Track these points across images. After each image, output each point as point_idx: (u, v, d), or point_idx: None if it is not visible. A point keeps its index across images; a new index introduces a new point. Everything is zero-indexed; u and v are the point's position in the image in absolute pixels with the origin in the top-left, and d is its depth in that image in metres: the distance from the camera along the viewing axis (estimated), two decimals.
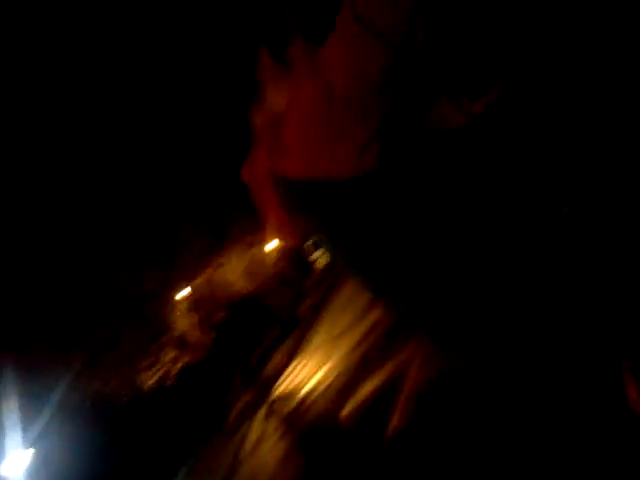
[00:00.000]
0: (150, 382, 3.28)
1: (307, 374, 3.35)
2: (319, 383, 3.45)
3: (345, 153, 2.13)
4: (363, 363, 3.24)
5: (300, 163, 2.77)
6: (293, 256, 4.27)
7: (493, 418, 2.35)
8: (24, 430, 2.95)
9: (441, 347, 2.48)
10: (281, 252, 4.04)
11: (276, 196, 2.87)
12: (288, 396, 3.27)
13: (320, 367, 3.44)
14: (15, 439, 2.90)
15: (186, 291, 3.46)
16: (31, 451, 2.90)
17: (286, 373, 3.43)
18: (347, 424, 3.02)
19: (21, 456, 3.12)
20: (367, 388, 3.06)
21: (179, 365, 3.84)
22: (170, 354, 3.76)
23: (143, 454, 3.06)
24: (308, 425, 3.33)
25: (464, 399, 2.44)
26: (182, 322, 3.73)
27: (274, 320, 4.22)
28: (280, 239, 2.90)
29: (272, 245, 3.64)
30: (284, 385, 3.33)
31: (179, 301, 3.61)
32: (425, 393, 2.71)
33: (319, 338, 3.33)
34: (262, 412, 3.40)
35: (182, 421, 3.18)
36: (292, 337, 3.61)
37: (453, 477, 2.33)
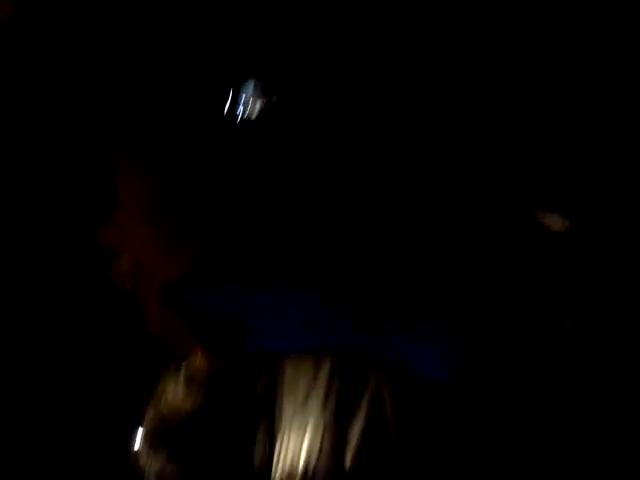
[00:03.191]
0: None
1: (294, 448, 3.45)
2: (310, 449, 3.60)
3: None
4: (339, 413, 3.50)
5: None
6: (224, 356, 4.09)
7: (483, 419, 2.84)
8: None
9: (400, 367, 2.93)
10: (210, 359, 3.84)
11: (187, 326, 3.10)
12: (290, 475, 3.35)
13: (303, 436, 3.57)
14: None
15: (141, 434, 3.21)
16: None
17: (274, 458, 3.46)
18: (354, 473, 3.30)
19: None
20: (355, 431, 3.34)
21: None
22: None
23: None
24: None
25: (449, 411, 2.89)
26: (152, 464, 3.44)
27: (237, 418, 4.08)
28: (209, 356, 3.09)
29: (197, 358, 3.50)
30: (279, 469, 3.36)
31: (140, 446, 3.33)
32: (409, 417, 3.12)
33: (287, 410, 3.41)
34: None
35: None
36: (263, 420, 3.60)
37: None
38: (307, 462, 3.35)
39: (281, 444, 3.63)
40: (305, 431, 3.42)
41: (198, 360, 3.53)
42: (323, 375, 3.47)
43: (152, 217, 3.06)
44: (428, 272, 2.90)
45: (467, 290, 2.84)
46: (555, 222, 2.82)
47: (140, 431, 3.50)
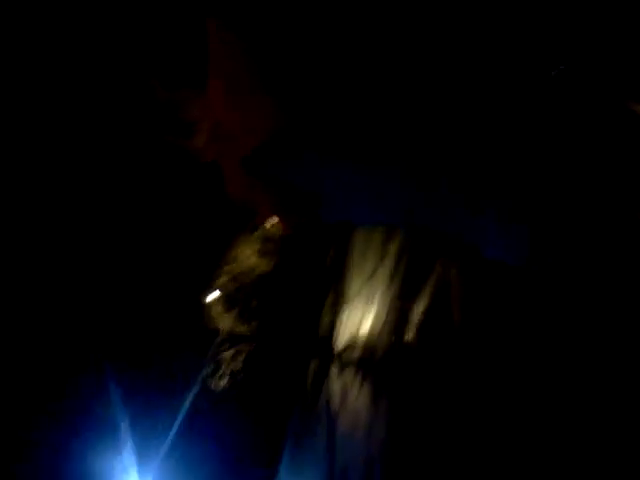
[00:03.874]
0: (223, 384, 3.34)
1: (359, 319, 3.58)
2: (374, 322, 3.71)
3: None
4: (405, 291, 3.53)
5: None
6: (299, 223, 4.24)
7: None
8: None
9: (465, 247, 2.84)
10: (285, 223, 4.00)
11: (261, 190, 3.09)
12: (351, 345, 3.49)
13: (368, 308, 3.68)
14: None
15: (215, 293, 3.43)
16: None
17: (340, 325, 3.62)
18: (414, 348, 3.37)
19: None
20: (419, 310, 3.36)
21: (240, 360, 3.88)
22: (228, 352, 3.79)
23: (242, 443, 3.20)
24: (380, 362, 3.62)
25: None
26: (224, 322, 3.72)
27: (306, 285, 4.31)
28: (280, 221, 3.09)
29: (274, 220, 3.64)
30: (343, 337, 3.52)
31: (213, 304, 3.58)
32: (473, 300, 3.08)
33: (355, 283, 3.51)
34: (334, 369, 3.60)
35: (266, 406, 3.34)
36: (331, 291, 3.77)
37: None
38: (369, 334, 3.46)
39: (346, 315, 3.75)
40: (370, 305, 3.50)
41: (273, 226, 3.63)
42: (392, 252, 3.50)
43: (235, 83, 3.04)
44: (504, 155, 2.79)
45: (543, 178, 2.72)
46: None
47: (213, 289, 3.70)
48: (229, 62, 3.03)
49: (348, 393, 3.52)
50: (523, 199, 2.74)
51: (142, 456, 3.15)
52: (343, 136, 3.03)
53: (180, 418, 3.35)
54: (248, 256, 3.57)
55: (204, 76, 2.98)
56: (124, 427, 3.15)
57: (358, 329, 3.48)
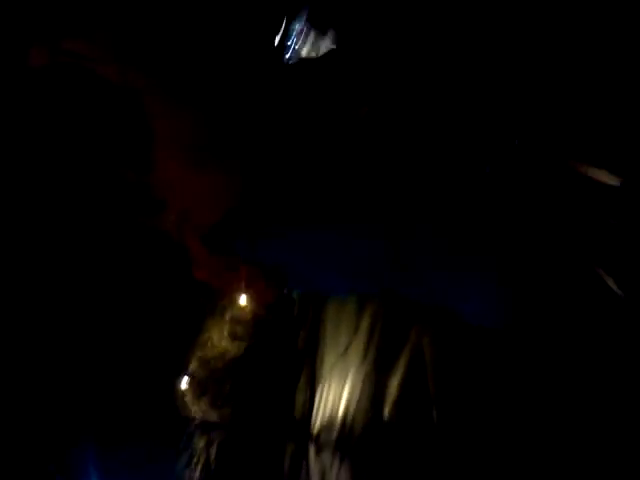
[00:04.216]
0: (196, 476, 3.20)
1: (334, 398, 3.50)
2: (349, 399, 3.63)
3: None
4: (380, 364, 3.50)
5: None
6: (268, 298, 4.23)
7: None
8: None
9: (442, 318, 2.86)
10: (256, 300, 3.98)
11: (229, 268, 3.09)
12: (328, 424, 3.39)
13: (343, 385, 3.62)
14: None
15: (186, 380, 3.34)
16: None
17: (315, 405, 3.52)
18: (392, 424, 3.28)
19: None
20: (395, 383, 3.33)
21: (214, 448, 3.70)
22: (200, 441, 3.62)
23: None
24: (358, 441, 3.52)
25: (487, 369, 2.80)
26: (196, 409, 3.59)
27: (279, 366, 4.20)
28: (251, 296, 3.09)
29: (243, 301, 3.63)
30: (319, 416, 3.41)
31: (185, 390, 3.47)
32: (448, 368, 3.06)
33: (328, 360, 3.46)
34: (312, 451, 3.48)
35: None
36: (304, 371, 3.68)
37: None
38: (346, 412, 3.39)
39: (321, 393, 3.68)
40: (345, 381, 3.45)
41: (243, 305, 3.61)
42: (365, 324, 3.50)
43: (193, 158, 3.13)
44: (473, 212, 2.87)
45: (515, 234, 2.79)
46: (603, 176, 2.76)
47: (185, 375, 3.60)
48: (175, 135, 3.13)
49: (327, 475, 3.39)
50: (506, 262, 2.80)
51: None
52: (306, 200, 3.11)
53: None
54: (219, 340, 3.51)
55: (155, 155, 3.06)
56: None
57: (334, 407, 3.41)
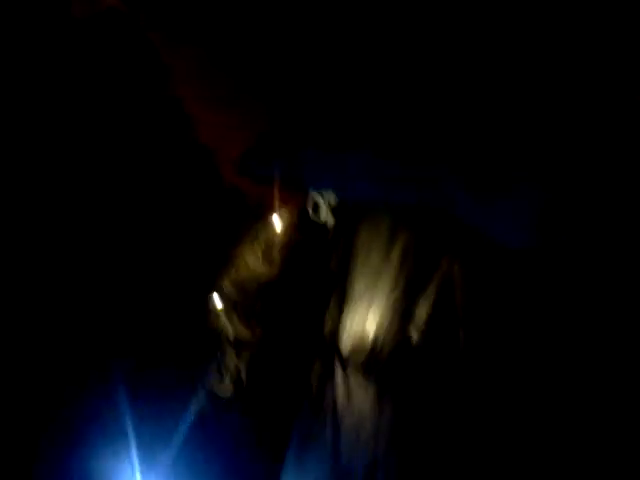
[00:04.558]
0: (228, 390, 3.34)
1: (363, 321, 3.55)
2: (378, 324, 3.68)
3: None
4: (409, 291, 3.49)
5: None
6: (302, 225, 4.27)
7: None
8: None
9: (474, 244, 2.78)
10: (290, 225, 4.03)
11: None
12: (356, 347, 3.46)
13: (372, 309, 3.66)
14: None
15: (217, 297, 3.45)
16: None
17: (344, 328, 3.59)
18: (419, 349, 3.31)
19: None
20: (423, 310, 3.32)
21: (244, 365, 3.88)
22: (232, 358, 3.79)
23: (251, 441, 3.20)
24: (385, 364, 3.59)
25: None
26: (228, 327, 3.73)
27: (310, 289, 4.32)
28: (281, 215, 3.08)
29: (278, 224, 3.67)
30: (348, 339, 3.49)
31: (218, 309, 3.60)
32: (477, 295, 3.02)
33: (358, 285, 3.50)
34: (339, 371, 3.58)
35: (271, 409, 3.31)
36: (335, 294, 3.75)
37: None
38: (374, 336, 3.43)
39: (351, 316, 3.72)
40: (375, 306, 3.47)
41: (277, 228, 3.65)
42: (396, 252, 3.47)
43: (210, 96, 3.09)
44: (506, 129, 2.76)
45: (550, 149, 2.68)
46: None
47: (219, 295, 3.71)
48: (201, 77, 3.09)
49: (353, 395, 3.48)
50: (536, 177, 2.70)
51: (148, 460, 3.14)
52: (340, 121, 3.06)
53: (186, 423, 3.34)
54: (252, 262, 3.57)
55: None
56: (130, 432, 3.15)
57: (363, 330, 3.46)
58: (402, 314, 3.26)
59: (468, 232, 2.70)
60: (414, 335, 3.01)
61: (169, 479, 2.97)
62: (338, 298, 3.54)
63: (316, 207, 3.48)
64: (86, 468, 2.90)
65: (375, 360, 3.39)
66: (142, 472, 2.95)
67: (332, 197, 3.26)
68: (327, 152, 2.60)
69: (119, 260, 3.14)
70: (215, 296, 3.55)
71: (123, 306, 3.16)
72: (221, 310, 3.67)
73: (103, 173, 3.09)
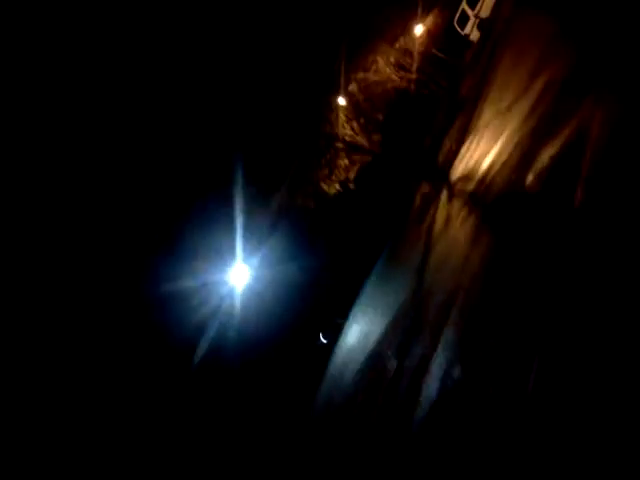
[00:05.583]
0: (333, 189, 3.48)
1: (482, 151, 3.40)
2: (497, 157, 3.50)
3: None
4: (539, 129, 3.22)
5: None
6: (444, 36, 3.98)
7: None
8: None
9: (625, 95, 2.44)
10: (431, 35, 3.76)
11: None
12: (467, 176, 3.37)
13: (495, 142, 3.46)
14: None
15: (343, 99, 3.43)
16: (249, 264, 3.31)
17: (461, 155, 3.48)
18: (532, 192, 3.13)
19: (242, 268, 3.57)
20: (547, 154, 3.07)
21: (354, 169, 3.97)
22: (344, 161, 3.88)
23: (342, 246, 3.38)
24: (493, 199, 3.47)
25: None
26: (345, 130, 3.76)
27: (437, 109, 4.16)
28: (424, 23, 2.81)
29: (419, 30, 3.43)
30: (461, 166, 3.40)
31: (338, 109, 3.61)
32: (609, 156, 2.72)
33: (488, 114, 3.30)
34: (444, 196, 3.55)
35: (371, 218, 3.43)
36: (460, 118, 3.58)
37: None
38: (488, 169, 3.28)
39: (470, 144, 3.57)
40: (497, 139, 3.28)
41: (417, 35, 3.43)
42: (537, 87, 3.17)
43: None
44: None
45: None
46: None
47: (341, 95, 3.66)
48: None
49: (452, 222, 3.45)
50: None
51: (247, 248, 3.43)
52: None
53: (284, 219, 3.55)
54: (384, 66, 3.43)
55: None
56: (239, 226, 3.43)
57: (479, 161, 3.32)
58: (524, 153, 3.07)
59: (628, 73, 2.41)
60: (530, 178, 2.86)
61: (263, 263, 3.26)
62: (462, 124, 3.37)
63: (464, 17, 3.15)
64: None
65: (483, 192, 3.29)
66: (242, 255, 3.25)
67: (485, 7, 2.96)
68: None
69: None
70: (340, 95, 3.52)
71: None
72: (343, 110, 3.63)
73: None
